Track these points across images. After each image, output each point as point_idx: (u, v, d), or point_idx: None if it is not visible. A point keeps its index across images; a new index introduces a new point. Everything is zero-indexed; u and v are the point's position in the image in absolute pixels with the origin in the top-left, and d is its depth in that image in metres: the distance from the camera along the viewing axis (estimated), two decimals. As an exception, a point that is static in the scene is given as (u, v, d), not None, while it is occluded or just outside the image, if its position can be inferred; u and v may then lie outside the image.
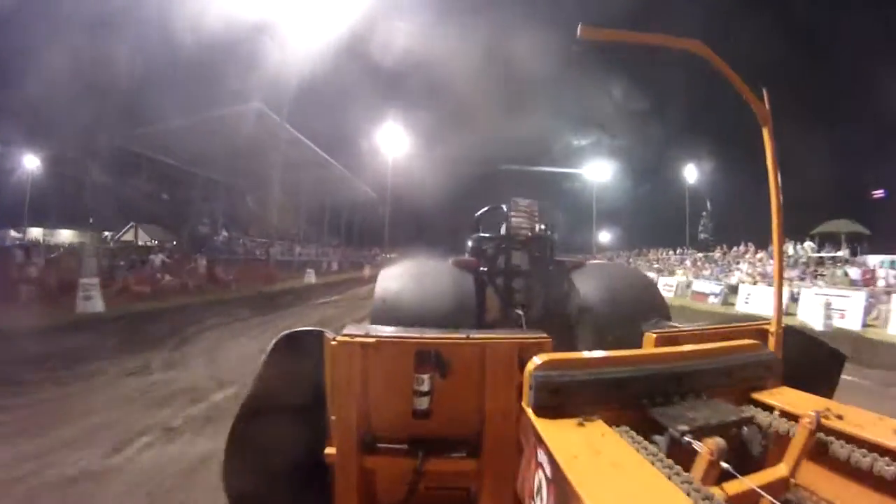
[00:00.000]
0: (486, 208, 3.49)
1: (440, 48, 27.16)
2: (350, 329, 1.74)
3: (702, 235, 29.39)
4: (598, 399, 1.49)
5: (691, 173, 35.12)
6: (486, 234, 3.37)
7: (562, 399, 1.46)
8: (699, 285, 18.79)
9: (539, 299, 3.18)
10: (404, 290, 2.53)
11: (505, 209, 3.31)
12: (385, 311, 2.44)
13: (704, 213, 30.06)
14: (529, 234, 3.23)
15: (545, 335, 1.77)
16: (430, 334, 1.78)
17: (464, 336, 1.75)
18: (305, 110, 26.04)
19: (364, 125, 35.95)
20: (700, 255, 26.86)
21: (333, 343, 1.68)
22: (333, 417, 1.70)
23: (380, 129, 37.78)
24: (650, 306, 2.74)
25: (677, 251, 31.20)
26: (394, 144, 37.90)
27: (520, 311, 3.00)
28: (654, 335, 2.00)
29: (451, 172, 35.17)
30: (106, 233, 24.53)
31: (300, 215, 34.06)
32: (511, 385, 1.66)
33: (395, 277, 2.64)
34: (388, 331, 1.80)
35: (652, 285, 3.25)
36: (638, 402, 1.53)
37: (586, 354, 1.70)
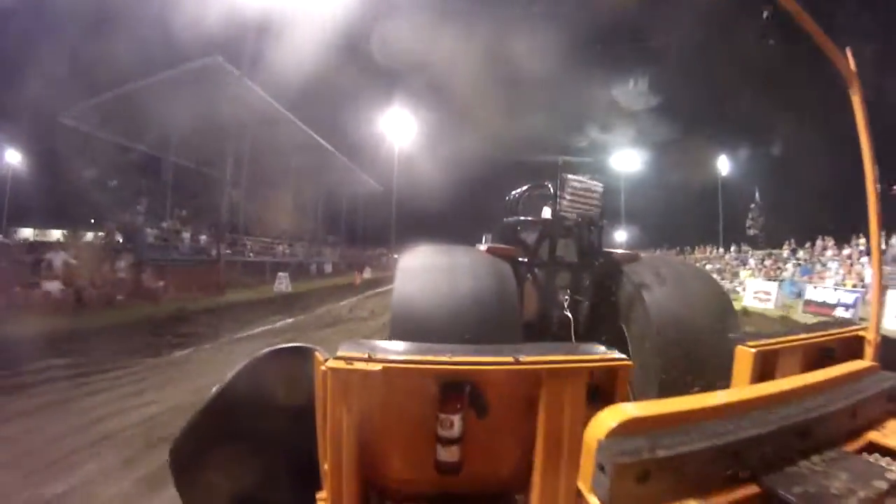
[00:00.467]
0: (527, 186, 3.13)
1: (454, 26, 23.90)
2: (348, 348, 1.27)
3: (751, 231, 26.80)
4: (700, 474, 0.98)
5: (727, 163, 31.26)
6: (528, 218, 3.04)
7: (653, 488, 0.91)
8: (817, 294, 14.89)
9: (587, 299, 2.81)
10: (429, 287, 2.11)
11: (551, 189, 2.88)
12: (405, 318, 2.02)
13: (753, 206, 27.31)
14: (580, 219, 2.79)
15: (622, 357, 1.33)
16: (462, 356, 1.27)
17: (511, 359, 1.27)
18: (306, 96, 22.67)
19: (370, 112, 31.29)
20: (761, 252, 23.72)
21: (324, 369, 1.21)
22: (325, 466, 1.25)
23: (386, 114, 32.82)
24: (724, 310, 2.35)
25: (731, 249, 27.17)
26: (401, 131, 32.87)
27: (568, 314, 2.65)
28: (752, 350, 1.54)
29: (468, 165, 31.75)
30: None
31: (289, 209, 29.33)
32: (577, 422, 1.23)
33: (419, 271, 2.24)
34: (400, 350, 1.32)
35: (719, 285, 2.71)
36: (754, 474, 1.03)
37: (683, 404, 1.14)
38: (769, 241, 24.34)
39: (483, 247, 2.68)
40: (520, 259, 2.76)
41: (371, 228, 39.32)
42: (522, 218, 3.00)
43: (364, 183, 34.33)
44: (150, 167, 21.27)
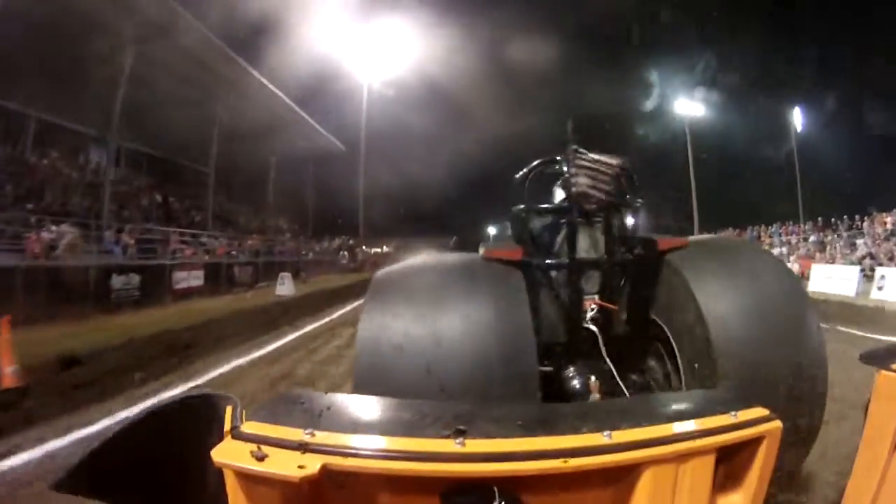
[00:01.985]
0: (534, 163, 2.36)
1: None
2: (266, 414, 0.82)
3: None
4: None
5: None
6: (541, 206, 2.38)
7: None
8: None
9: (622, 307, 2.17)
10: (413, 330, 1.56)
11: (564, 166, 2.17)
12: (375, 373, 1.54)
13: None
14: (602, 198, 2.07)
15: (764, 411, 0.89)
16: (485, 441, 0.77)
17: (591, 442, 0.78)
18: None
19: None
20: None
21: (217, 462, 0.71)
22: None
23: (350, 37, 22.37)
24: (808, 322, 1.80)
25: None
26: (372, 63, 22.38)
27: (593, 327, 2.04)
28: None
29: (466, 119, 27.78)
30: None
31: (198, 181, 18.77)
32: None
33: (394, 303, 1.66)
34: (368, 423, 0.85)
35: (800, 284, 2.13)
36: None
37: None
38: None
39: (480, 251, 2.02)
40: (531, 260, 2.06)
41: (327, 208, 28.51)
42: (529, 206, 2.27)
43: (316, 138, 23.73)
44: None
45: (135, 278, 11.99)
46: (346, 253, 23.67)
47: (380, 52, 25.55)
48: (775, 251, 23.24)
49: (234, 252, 17.58)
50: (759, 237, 26.25)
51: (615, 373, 1.98)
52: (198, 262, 14.67)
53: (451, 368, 1.51)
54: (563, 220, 2.21)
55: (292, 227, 27.00)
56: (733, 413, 0.88)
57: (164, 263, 13.14)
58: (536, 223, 2.35)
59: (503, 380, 1.51)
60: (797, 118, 27.64)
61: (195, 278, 14.22)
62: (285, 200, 25.76)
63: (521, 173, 2.35)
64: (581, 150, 2.10)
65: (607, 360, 2.01)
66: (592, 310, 2.11)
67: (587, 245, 2.22)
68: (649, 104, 30.39)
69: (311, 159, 26.21)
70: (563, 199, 2.20)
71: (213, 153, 18.55)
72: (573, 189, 2.07)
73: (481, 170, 26.47)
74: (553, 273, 2.18)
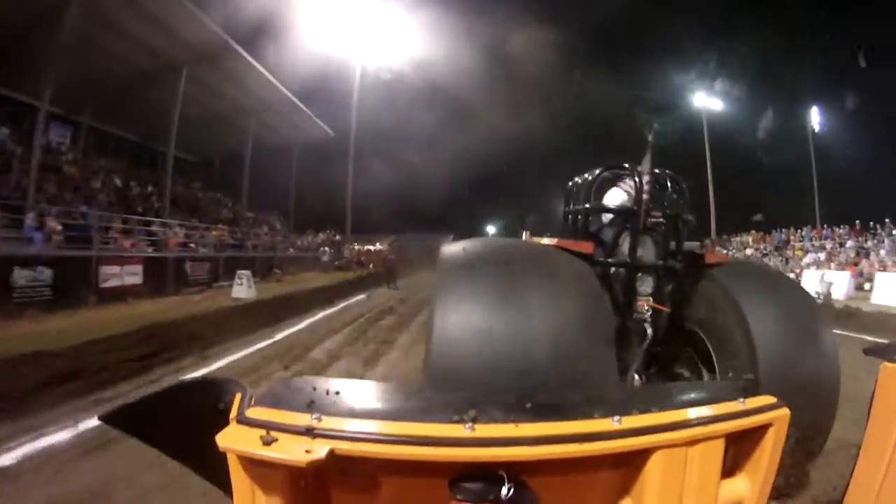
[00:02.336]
0: (603, 167, 2.47)
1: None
2: (273, 398, 0.80)
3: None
4: None
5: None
6: (606, 205, 2.48)
7: None
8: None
9: (670, 311, 2.32)
10: (495, 317, 1.47)
11: (636, 175, 2.28)
12: (449, 366, 1.42)
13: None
14: (668, 211, 2.32)
15: (772, 399, 0.92)
16: (494, 426, 0.76)
17: (601, 426, 0.79)
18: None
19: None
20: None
21: (222, 447, 0.70)
22: None
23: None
24: (824, 331, 2.00)
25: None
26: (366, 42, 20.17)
27: (645, 327, 2.18)
28: None
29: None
30: None
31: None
32: None
33: (473, 289, 1.56)
34: (378, 410, 0.84)
35: (818, 308, 2.30)
36: None
37: None
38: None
39: (548, 240, 2.22)
40: (602, 259, 2.22)
41: (314, 200, 25.91)
42: (595, 205, 2.40)
43: (303, 124, 21.22)
44: None
45: (45, 273, 9.48)
46: (327, 249, 21.14)
47: (375, 34, 23.08)
48: (809, 257, 21.14)
49: (193, 244, 15.03)
50: (788, 241, 24.01)
51: (654, 374, 2.18)
52: (135, 256, 12.09)
53: (538, 358, 1.42)
54: (627, 225, 2.28)
55: (273, 219, 24.57)
56: (741, 400, 0.89)
57: (89, 255, 10.56)
58: (594, 223, 2.46)
59: (585, 371, 1.44)
60: (814, 118, 25.99)
61: (131, 275, 11.69)
62: (265, 190, 23.34)
63: (586, 175, 2.44)
64: (645, 166, 2.21)
65: (651, 360, 2.15)
66: (646, 310, 2.20)
67: (645, 250, 2.28)
68: (664, 100, 28.91)
69: (298, 146, 23.65)
70: (627, 204, 2.34)
71: (172, 132, 15.95)
72: (644, 195, 2.20)
73: (481, 167, 24.53)
74: (613, 271, 2.25)
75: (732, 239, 27.83)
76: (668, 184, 2.52)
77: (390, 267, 17.02)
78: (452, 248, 1.83)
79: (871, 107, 21.74)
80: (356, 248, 24.83)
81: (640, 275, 2.28)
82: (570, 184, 2.65)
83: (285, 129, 21.96)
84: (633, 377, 2.03)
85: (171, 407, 0.90)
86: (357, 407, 0.79)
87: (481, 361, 1.40)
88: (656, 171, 2.32)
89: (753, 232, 26.76)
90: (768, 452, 0.87)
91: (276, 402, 0.78)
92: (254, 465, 0.70)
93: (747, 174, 28.36)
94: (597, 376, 1.49)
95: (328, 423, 0.72)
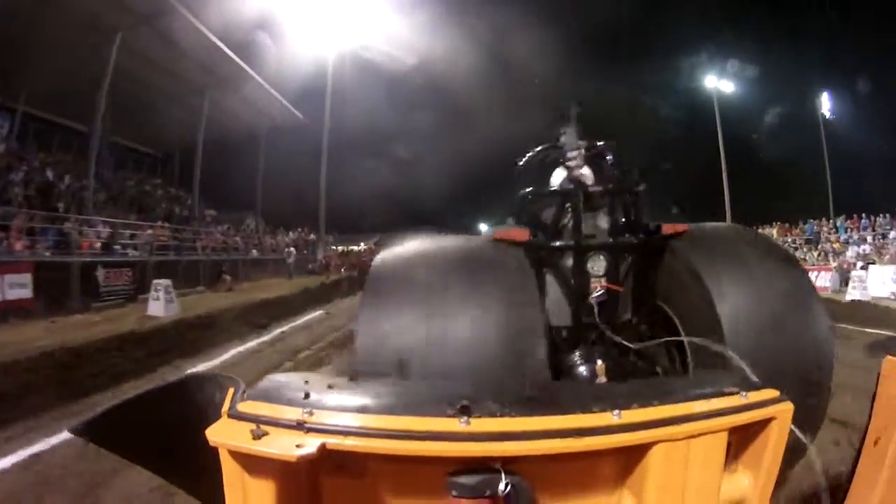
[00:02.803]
0: (537, 149, 2.45)
1: None
2: (263, 392, 0.80)
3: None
4: None
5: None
6: (545, 189, 2.36)
7: None
8: None
9: (628, 291, 2.19)
10: (416, 332, 1.45)
11: (565, 150, 2.29)
12: (373, 362, 1.43)
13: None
14: (610, 185, 2.22)
15: (775, 392, 0.90)
16: (491, 420, 0.76)
17: (601, 421, 0.78)
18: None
19: None
20: None
21: (212, 442, 0.71)
22: None
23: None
24: (810, 302, 1.77)
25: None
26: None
27: (598, 310, 2.03)
28: None
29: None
30: None
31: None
32: None
33: (394, 302, 1.53)
34: (369, 404, 0.79)
35: (806, 274, 2.07)
36: None
37: None
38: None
39: (492, 233, 2.06)
40: (537, 245, 2.08)
41: (286, 196, 22.83)
42: (531, 190, 2.31)
43: (269, 108, 18.36)
44: None
45: None
46: (293, 251, 18.10)
47: (355, 16, 20.32)
48: (852, 251, 18.60)
49: (118, 247, 12.13)
50: (819, 232, 21.44)
51: (620, 356, 1.98)
52: (21, 261, 9.19)
53: (457, 365, 1.40)
54: (567, 204, 2.20)
55: (250, 218, 21.71)
56: (744, 394, 0.87)
57: None
58: (540, 207, 2.35)
59: (512, 372, 1.42)
60: (825, 104, 24.66)
61: (16, 286, 8.81)
62: (243, 187, 20.50)
63: (524, 158, 2.39)
64: (569, 134, 2.23)
65: (614, 343, 2.01)
66: (599, 292, 2.10)
67: (592, 228, 2.19)
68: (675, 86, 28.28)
69: (265, 133, 20.69)
70: (566, 182, 2.25)
71: (99, 108, 13.07)
72: (575, 172, 2.19)
73: (473, 162, 22.66)
74: (560, 256, 2.18)
75: (753, 232, 25.29)
76: (612, 157, 2.33)
77: (366, 270, 14.18)
78: (382, 258, 1.74)
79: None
80: (336, 249, 22.04)
81: (591, 255, 2.13)
82: (516, 165, 2.46)
83: (248, 113, 19.08)
84: (598, 363, 1.89)
85: (161, 409, 0.86)
86: (350, 401, 0.78)
87: (401, 378, 1.37)
88: (599, 143, 2.28)
89: (777, 223, 24.13)
90: (771, 446, 0.85)
91: (267, 397, 0.77)
92: (244, 460, 0.70)
93: (760, 163, 27.26)
94: (522, 376, 1.42)
95: (320, 417, 0.72)
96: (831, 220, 21.88)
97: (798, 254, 20.89)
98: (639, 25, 29.81)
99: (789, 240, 22.47)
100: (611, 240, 2.15)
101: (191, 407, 0.83)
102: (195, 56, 15.29)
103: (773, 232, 23.95)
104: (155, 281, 9.31)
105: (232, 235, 17.63)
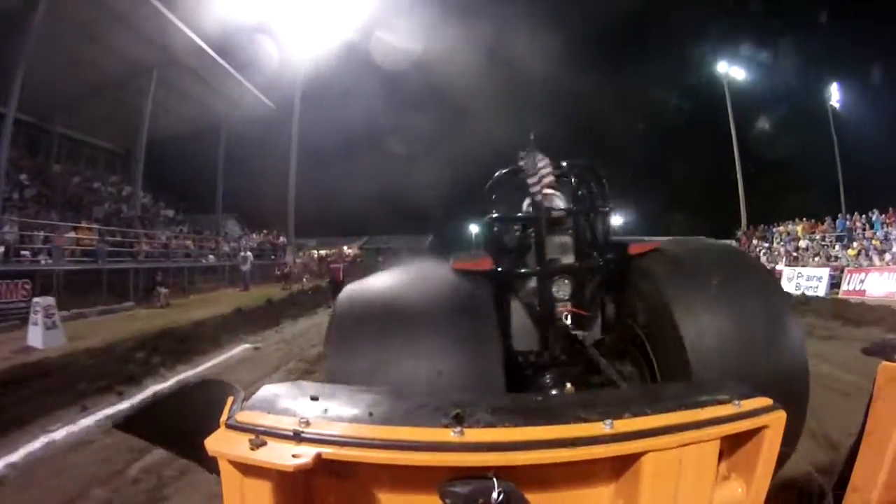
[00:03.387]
0: (497, 173, 2.44)
1: None
2: (261, 402, 0.83)
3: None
4: None
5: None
6: (507, 215, 2.40)
7: None
8: None
9: (595, 312, 2.24)
10: (377, 376, 1.49)
11: (525, 175, 2.30)
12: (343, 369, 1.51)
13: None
14: (573, 206, 2.28)
15: (768, 401, 0.91)
16: (487, 430, 0.79)
17: (593, 431, 0.80)
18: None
19: None
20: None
21: (210, 451, 0.74)
22: None
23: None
24: (782, 316, 1.79)
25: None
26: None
27: (571, 333, 2.02)
28: None
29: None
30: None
31: None
32: None
33: (356, 347, 1.56)
34: (363, 415, 0.82)
35: (780, 288, 2.20)
36: None
37: None
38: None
39: (450, 261, 2.00)
40: (499, 270, 2.08)
41: (254, 194, 20.30)
42: (495, 215, 2.31)
43: (231, 92, 16.12)
44: None
45: None
46: (249, 255, 15.63)
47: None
48: (893, 251, 16.38)
49: (27, 252, 9.82)
50: (852, 230, 19.22)
51: (591, 379, 2.00)
52: None
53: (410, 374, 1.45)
54: (529, 230, 2.25)
55: (231, 222, 19.43)
56: (736, 402, 0.88)
57: None
58: (507, 232, 2.37)
59: (479, 378, 1.49)
60: (834, 95, 22.81)
61: None
62: (227, 188, 18.29)
63: (489, 183, 2.39)
64: (532, 153, 2.26)
65: (583, 366, 2.04)
66: (566, 317, 2.10)
67: (558, 252, 2.19)
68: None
69: (226, 123, 18.30)
70: (529, 207, 2.27)
71: (14, 91, 10.78)
72: (537, 197, 2.15)
73: (465, 159, 20.70)
74: (525, 282, 2.20)
75: (774, 230, 23.09)
76: (576, 179, 2.34)
77: (336, 279, 11.85)
78: (346, 294, 1.74)
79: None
80: (314, 254, 19.74)
81: (556, 279, 2.14)
82: (487, 187, 2.40)
83: (209, 98, 16.77)
84: (567, 387, 1.86)
85: (178, 408, 0.95)
86: (345, 411, 0.81)
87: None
88: (563, 163, 2.30)
89: (802, 220, 21.91)
90: (764, 455, 0.87)
91: (264, 406, 0.80)
92: (242, 470, 0.72)
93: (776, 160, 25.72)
94: (487, 372, 1.50)
95: (316, 427, 0.74)
96: (864, 215, 19.69)
97: (829, 252, 18.75)
98: (644, 21, 28.96)
99: (817, 237, 20.27)
100: (576, 263, 2.14)
101: (204, 405, 0.85)
102: (138, 26, 13.03)
103: (797, 229, 21.76)
104: (35, 299, 7.00)
105: (182, 238, 15.20)
